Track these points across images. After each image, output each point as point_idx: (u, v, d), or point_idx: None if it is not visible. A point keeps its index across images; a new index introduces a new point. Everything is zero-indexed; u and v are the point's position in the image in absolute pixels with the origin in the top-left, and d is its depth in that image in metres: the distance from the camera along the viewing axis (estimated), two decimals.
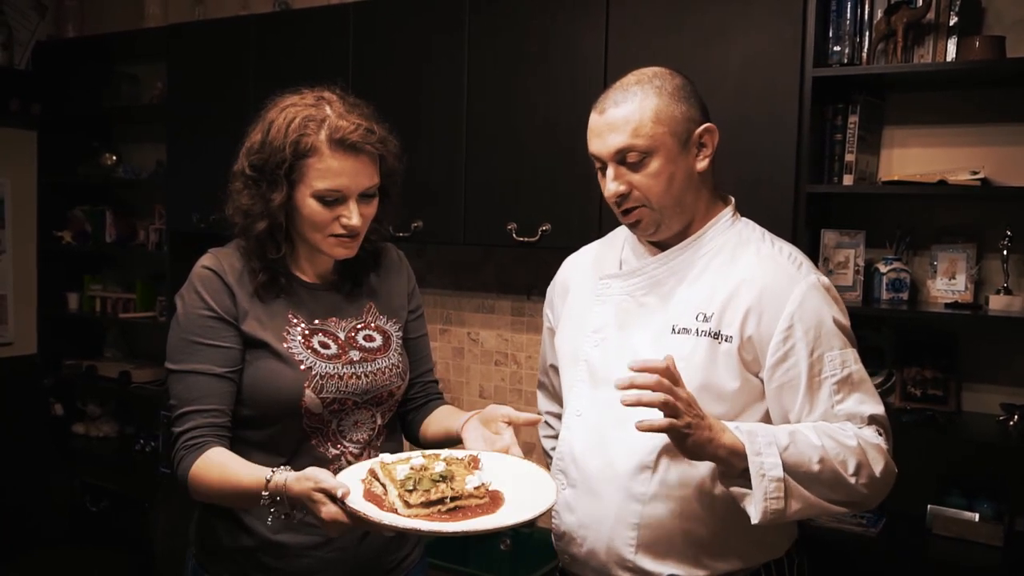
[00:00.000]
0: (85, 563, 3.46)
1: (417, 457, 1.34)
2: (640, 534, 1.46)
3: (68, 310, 4.02)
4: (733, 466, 1.33)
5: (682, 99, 1.47)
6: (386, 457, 1.36)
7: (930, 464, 2.37)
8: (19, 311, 3.97)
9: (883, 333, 2.48)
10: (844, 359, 1.44)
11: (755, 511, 1.31)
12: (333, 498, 1.24)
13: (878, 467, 1.38)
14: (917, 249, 2.42)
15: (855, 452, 1.36)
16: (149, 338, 4.03)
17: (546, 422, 1.88)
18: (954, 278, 2.32)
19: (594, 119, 1.50)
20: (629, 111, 1.45)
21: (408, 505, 1.24)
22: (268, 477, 1.34)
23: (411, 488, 1.25)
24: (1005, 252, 2.25)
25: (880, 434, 1.42)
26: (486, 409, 1.54)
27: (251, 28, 3.18)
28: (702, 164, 1.50)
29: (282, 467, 1.35)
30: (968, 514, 2.24)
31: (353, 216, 1.48)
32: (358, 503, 1.25)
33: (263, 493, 1.33)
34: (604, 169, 1.50)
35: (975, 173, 2.23)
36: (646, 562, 1.47)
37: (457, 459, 1.36)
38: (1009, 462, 2.29)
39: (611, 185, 1.48)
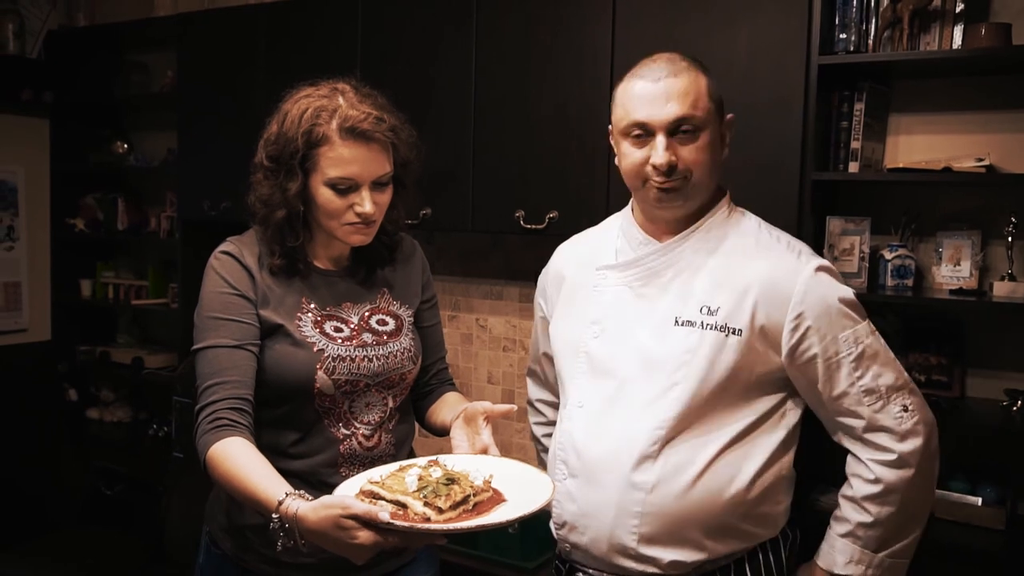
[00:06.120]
0: (99, 546, 3.50)
1: (409, 470, 1.35)
2: (643, 522, 1.48)
3: (81, 297, 4.06)
4: None
5: (715, 85, 1.53)
6: (373, 476, 1.35)
7: None
8: (33, 298, 4.01)
9: (888, 319, 2.49)
10: (856, 336, 1.48)
11: None
12: (364, 523, 1.22)
13: (895, 475, 1.49)
14: (922, 236, 2.42)
15: (870, 513, 1.50)
16: (161, 324, 4.07)
17: (537, 410, 1.90)
18: (959, 265, 2.33)
19: (645, 87, 1.47)
20: (687, 83, 1.46)
21: (441, 511, 1.25)
22: (280, 499, 1.30)
23: (434, 495, 1.26)
24: (1010, 239, 2.26)
25: (906, 409, 1.49)
26: (467, 409, 1.56)
27: (261, 16, 3.19)
28: (725, 151, 1.55)
29: (296, 493, 1.31)
30: (971, 498, 2.26)
31: (366, 204, 1.50)
32: (399, 522, 1.23)
33: (273, 516, 1.30)
34: (641, 137, 1.48)
35: (980, 160, 2.23)
36: (648, 549, 1.49)
37: (421, 465, 1.39)
38: (1012, 447, 2.30)
39: (663, 155, 1.45)
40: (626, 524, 1.49)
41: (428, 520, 1.24)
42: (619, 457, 1.50)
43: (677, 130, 1.46)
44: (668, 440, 1.47)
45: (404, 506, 1.27)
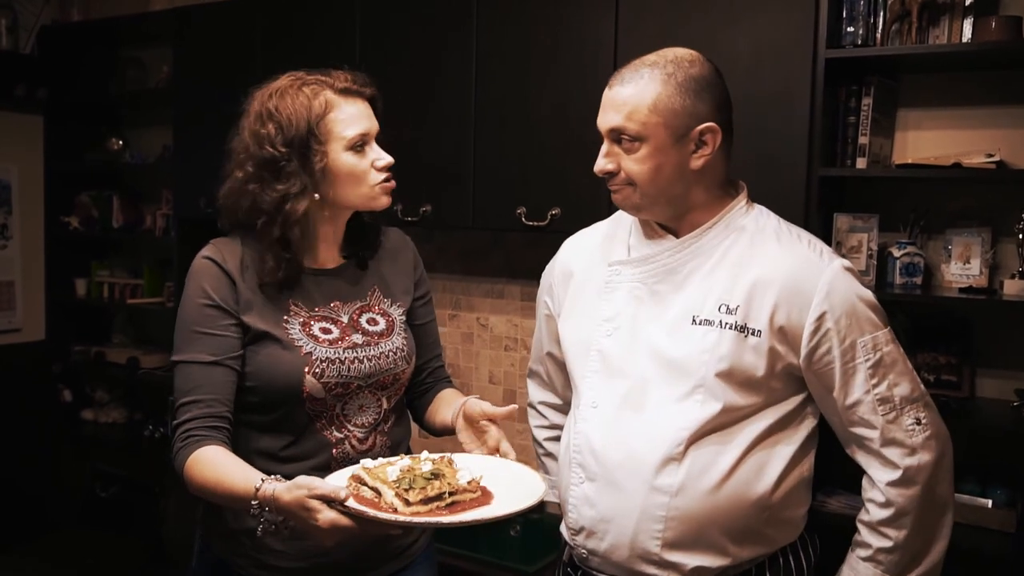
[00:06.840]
0: (96, 547, 3.48)
1: (402, 460, 1.36)
2: (667, 527, 1.44)
3: (76, 296, 4.01)
4: None
5: (689, 92, 1.42)
6: (368, 463, 1.36)
7: None
8: (27, 297, 3.97)
9: (896, 318, 2.45)
10: (876, 342, 1.45)
11: None
12: (330, 504, 1.24)
13: (903, 495, 1.46)
14: (931, 233, 2.39)
15: (889, 538, 1.48)
16: (157, 324, 4.02)
17: (539, 412, 1.86)
18: (968, 262, 2.30)
19: (605, 91, 1.49)
20: (630, 93, 1.43)
21: (408, 503, 1.25)
22: (257, 486, 1.33)
23: (407, 487, 1.27)
24: (1021, 236, 2.22)
25: (919, 423, 1.47)
26: (465, 409, 1.54)
27: (257, 11, 3.15)
28: (697, 163, 1.45)
29: (272, 477, 1.34)
30: (981, 500, 2.23)
31: (383, 154, 1.54)
32: (354, 506, 1.25)
33: (252, 502, 1.33)
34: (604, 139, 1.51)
35: (990, 156, 2.19)
36: (672, 555, 1.45)
37: (434, 460, 1.38)
38: (1023, 449, 2.27)
39: (600, 161, 1.49)
40: (649, 529, 1.45)
41: (395, 511, 1.25)
42: (642, 460, 1.45)
43: (619, 138, 1.46)
44: (693, 442, 1.43)
45: (380, 494, 1.29)
